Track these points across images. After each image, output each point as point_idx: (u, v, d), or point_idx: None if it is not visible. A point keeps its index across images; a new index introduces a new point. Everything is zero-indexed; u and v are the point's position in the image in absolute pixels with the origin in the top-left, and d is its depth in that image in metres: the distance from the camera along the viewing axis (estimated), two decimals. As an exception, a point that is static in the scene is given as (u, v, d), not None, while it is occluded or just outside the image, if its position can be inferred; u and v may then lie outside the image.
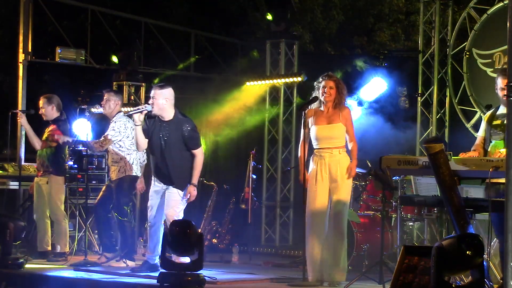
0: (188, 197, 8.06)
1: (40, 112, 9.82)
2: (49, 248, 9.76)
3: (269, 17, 12.65)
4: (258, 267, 9.67)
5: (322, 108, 7.74)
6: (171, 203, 8.08)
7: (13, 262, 8.61)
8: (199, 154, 8.10)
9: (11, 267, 8.54)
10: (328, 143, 7.65)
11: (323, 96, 7.68)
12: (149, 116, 8.12)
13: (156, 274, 7.58)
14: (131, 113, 8.08)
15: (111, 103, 9.28)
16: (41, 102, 9.81)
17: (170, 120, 8.09)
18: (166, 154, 8.06)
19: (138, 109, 8.03)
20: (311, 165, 7.71)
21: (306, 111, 7.69)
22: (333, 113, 7.67)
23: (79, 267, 8.73)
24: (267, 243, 12.65)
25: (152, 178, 8.30)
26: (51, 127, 9.73)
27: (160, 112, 8.05)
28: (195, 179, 8.07)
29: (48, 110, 9.78)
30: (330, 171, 7.60)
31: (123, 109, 9.39)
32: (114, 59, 12.43)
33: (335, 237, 7.55)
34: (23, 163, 10.92)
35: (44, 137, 9.70)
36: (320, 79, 7.75)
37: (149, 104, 8.06)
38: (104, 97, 9.35)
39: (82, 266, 8.77)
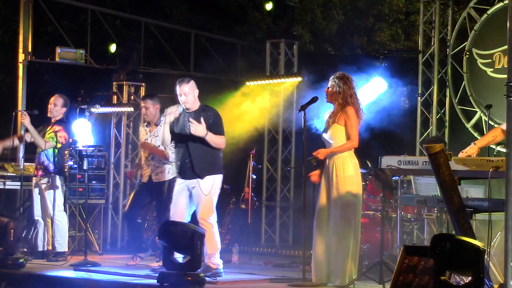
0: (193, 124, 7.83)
1: (49, 108, 9.79)
2: (50, 247, 9.76)
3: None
4: (258, 267, 9.67)
5: (333, 109, 7.77)
6: (200, 204, 7.99)
7: (13, 262, 8.61)
8: (221, 138, 8.05)
9: (11, 267, 8.53)
10: (328, 145, 7.66)
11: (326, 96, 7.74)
12: None
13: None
14: (167, 120, 8.01)
15: (150, 109, 9.43)
16: (54, 99, 9.81)
17: (195, 110, 8.06)
18: (190, 144, 7.99)
19: (175, 111, 8.00)
20: None
21: (305, 112, 7.71)
22: (336, 114, 7.66)
23: (79, 267, 8.74)
24: (267, 243, 12.65)
25: (176, 178, 8.27)
26: (57, 127, 9.71)
27: (192, 106, 8.05)
28: (211, 135, 7.88)
29: (58, 109, 9.78)
30: (329, 173, 7.57)
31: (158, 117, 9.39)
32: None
33: (342, 238, 7.45)
34: (23, 163, 10.90)
35: (48, 137, 9.68)
36: None
37: (180, 105, 8.04)
38: (142, 106, 9.49)
39: (82, 266, 8.78)
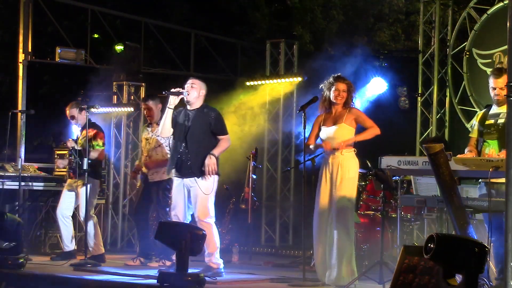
0: (207, 169, 7.90)
1: (77, 119, 9.65)
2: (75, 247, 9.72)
3: None
4: (258, 267, 9.67)
5: (330, 110, 7.78)
6: (198, 204, 7.96)
7: (13, 262, 8.61)
8: (226, 139, 8.09)
9: (11, 267, 8.53)
10: (332, 141, 7.67)
11: (335, 98, 7.73)
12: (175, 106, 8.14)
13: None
14: (169, 92, 8.01)
15: (153, 110, 9.47)
16: (74, 110, 9.67)
17: (196, 109, 8.10)
18: (189, 140, 7.97)
19: (177, 91, 8.02)
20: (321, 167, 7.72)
21: (305, 112, 7.73)
22: (340, 114, 7.73)
23: (79, 267, 8.73)
24: (267, 243, 12.65)
25: (173, 174, 8.14)
26: (93, 131, 9.59)
27: (192, 101, 8.08)
28: (217, 151, 7.98)
29: (81, 115, 9.68)
30: (332, 172, 7.61)
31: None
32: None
33: (339, 238, 7.52)
34: (23, 163, 10.88)
35: (94, 144, 9.57)
36: (332, 80, 7.76)
37: (185, 90, 8.08)
38: (144, 107, 9.50)
39: (82, 266, 8.78)
